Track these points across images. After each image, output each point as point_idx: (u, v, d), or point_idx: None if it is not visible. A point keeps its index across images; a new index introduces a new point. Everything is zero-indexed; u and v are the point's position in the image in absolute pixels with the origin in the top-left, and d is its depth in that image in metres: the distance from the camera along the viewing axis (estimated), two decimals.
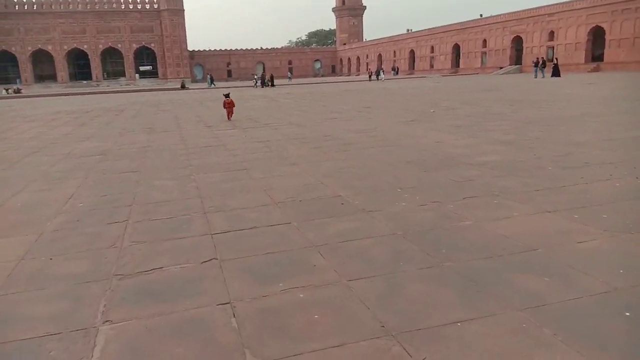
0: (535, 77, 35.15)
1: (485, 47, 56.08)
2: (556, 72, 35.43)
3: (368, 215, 4.13)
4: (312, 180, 5.61)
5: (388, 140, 8.48)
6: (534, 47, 49.09)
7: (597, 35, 42.09)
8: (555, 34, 46.40)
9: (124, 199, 5.18)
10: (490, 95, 19.37)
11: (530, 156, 6.33)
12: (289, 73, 74.86)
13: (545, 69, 35.16)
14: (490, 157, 6.41)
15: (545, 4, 47.92)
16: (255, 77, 47.32)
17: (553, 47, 46.62)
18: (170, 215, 4.45)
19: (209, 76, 56.92)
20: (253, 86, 44.51)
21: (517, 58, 52.31)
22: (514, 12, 51.53)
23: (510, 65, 51.99)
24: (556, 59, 37.78)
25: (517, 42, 51.75)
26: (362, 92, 26.94)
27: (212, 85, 50.81)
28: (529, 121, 10.09)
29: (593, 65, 41.86)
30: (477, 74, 53.92)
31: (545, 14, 47.19)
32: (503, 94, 19.82)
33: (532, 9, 49.02)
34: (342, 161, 6.73)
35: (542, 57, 42.08)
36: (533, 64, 37.16)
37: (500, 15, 53.70)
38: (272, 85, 44.83)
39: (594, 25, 41.87)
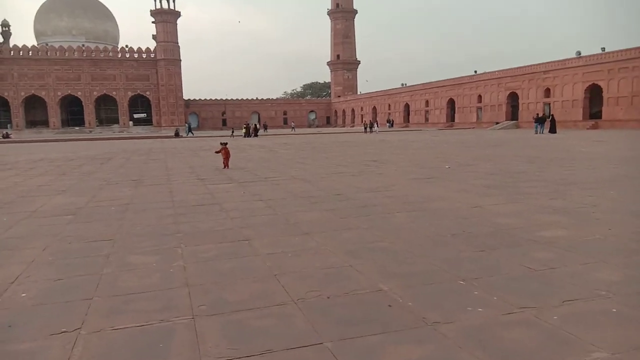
0: (536, 132, 34.72)
1: (481, 102, 56.37)
2: (553, 129, 35.13)
3: (435, 331, 2.79)
4: (335, 260, 4.29)
5: (412, 202, 7.23)
6: (529, 103, 49.28)
7: (594, 93, 42.25)
8: (551, 91, 46.66)
9: (84, 286, 3.81)
10: (500, 150, 18.43)
11: (605, 231, 5.07)
12: (292, 123, 74.99)
13: (544, 125, 34.82)
14: (553, 231, 5.15)
15: (539, 62, 48.52)
16: (242, 127, 46.67)
17: (549, 104, 46.75)
18: (143, 320, 3.08)
19: (186, 125, 54.67)
20: (230, 136, 43.40)
21: (512, 113, 52.42)
22: (509, 69, 52.11)
23: (506, 120, 52.00)
24: (552, 115, 37.60)
25: (513, 98, 52.04)
26: (361, 144, 26.04)
27: (190, 134, 49.24)
28: (565, 183, 8.94)
29: (591, 122, 41.74)
30: (473, 128, 53.84)
31: (541, 72, 47.66)
32: (513, 149, 18.90)
33: (527, 66, 49.58)
34: (366, 231, 5.44)
35: (543, 113, 42.03)
36: (534, 120, 36.82)
37: (495, 71, 54.31)
38: (256, 135, 44.34)
39: (590, 82, 42.11)
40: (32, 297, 3.59)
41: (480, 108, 56.57)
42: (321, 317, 3.05)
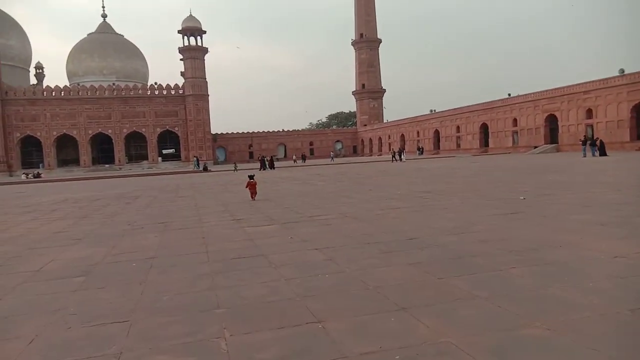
0: (584, 156, 32.36)
1: (516, 126, 54.08)
2: (603, 151, 32.71)
3: None
4: None
5: (520, 250, 5.47)
6: (570, 126, 46.81)
7: None
8: (593, 112, 44.20)
9: None
10: (566, 177, 16.46)
11: None
12: (331, 153, 75.46)
13: (596, 147, 32.47)
14: None
15: (577, 82, 46.29)
16: (262, 158, 45.46)
17: (592, 125, 44.25)
18: None
19: (194, 158, 56.53)
20: (233, 170, 42.75)
21: (552, 136, 49.95)
22: (546, 91, 49.88)
23: (545, 144, 49.48)
24: (598, 138, 35.15)
25: (551, 120, 49.66)
26: (400, 174, 24.31)
27: (198, 168, 49.93)
28: None
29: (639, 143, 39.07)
30: (509, 153, 51.49)
31: (581, 92, 45.32)
32: (580, 175, 16.90)
33: (566, 87, 47.31)
34: (488, 303, 3.73)
35: (585, 135, 39.75)
36: (581, 143, 34.47)
37: (530, 94, 52.16)
38: (272, 167, 42.91)
39: (637, 101, 39.62)
40: None
41: (517, 132, 54.23)
42: None
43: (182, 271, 5.48)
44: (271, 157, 47.89)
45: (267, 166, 42.87)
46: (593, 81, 44.43)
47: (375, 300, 3.98)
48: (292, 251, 6.22)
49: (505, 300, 3.77)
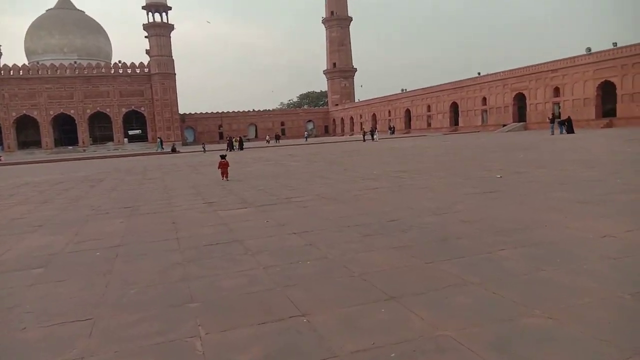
0: (552, 133, 32.96)
1: (486, 104, 54.67)
2: (570, 129, 33.36)
3: None
4: None
5: (505, 230, 5.31)
6: (538, 104, 47.59)
7: (607, 90, 40.59)
8: (560, 90, 44.98)
9: None
10: (536, 154, 16.58)
11: None
12: (305, 132, 75.46)
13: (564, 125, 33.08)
14: None
15: (545, 61, 46.93)
16: (230, 139, 44.62)
17: (559, 103, 45.09)
18: None
19: (159, 139, 57.74)
20: (202, 151, 42.24)
21: (520, 115, 50.73)
22: (515, 70, 50.44)
23: (514, 122, 50.26)
24: (568, 117, 35.78)
25: (520, 99, 50.36)
26: (373, 153, 24.17)
27: (162, 149, 50.84)
28: None
29: (605, 121, 40.02)
30: (479, 131, 52.12)
31: (549, 70, 46.01)
32: (550, 153, 17.07)
33: (534, 65, 47.93)
34: (481, 289, 3.53)
35: (553, 113, 40.50)
36: (549, 120, 35.07)
37: (499, 72, 52.63)
38: (242, 148, 42.08)
39: (602, 80, 40.46)
40: None
41: (486, 111, 54.86)
42: None
43: (151, 260, 5.10)
44: (240, 137, 46.88)
45: (237, 147, 41.91)
46: (560, 60, 45.11)
47: (362, 289, 3.72)
48: (269, 236, 5.90)
49: (499, 286, 3.56)
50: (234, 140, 43.56)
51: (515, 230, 5.27)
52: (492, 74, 53.91)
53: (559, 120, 34.44)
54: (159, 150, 49.89)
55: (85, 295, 4.05)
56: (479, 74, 56.75)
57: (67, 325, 3.38)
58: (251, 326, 3.14)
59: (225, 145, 44.06)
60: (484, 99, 54.85)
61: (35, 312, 3.72)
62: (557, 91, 45.63)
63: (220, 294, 3.87)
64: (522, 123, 49.23)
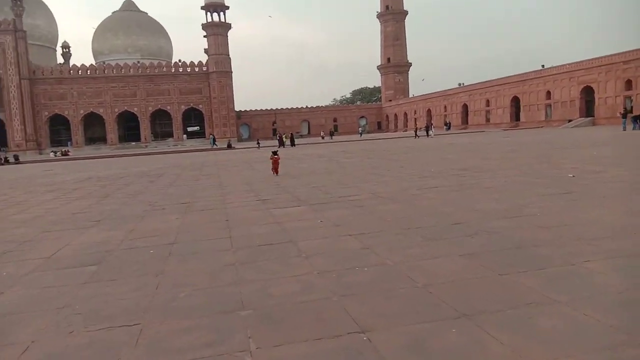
0: (624, 129, 30.66)
1: (550, 99, 51.83)
2: None
3: None
4: None
5: (590, 238, 4.72)
6: (607, 98, 44.52)
7: None
8: (633, 83, 41.84)
9: None
10: (610, 151, 15.34)
11: None
12: (360, 128, 75.23)
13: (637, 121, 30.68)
14: None
15: (617, 52, 43.79)
16: (280, 136, 44.27)
17: (631, 97, 41.96)
18: None
19: (211, 136, 58.39)
20: (256, 147, 42.04)
21: (587, 110, 47.72)
22: (582, 62, 47.45)
23: (580, 117, 47.33)
24: None
25: (587, 92, 47.35)
26: (431, 150, 23.36)
27: (215, 145, 51.78)
28: None
29: None
30: (542, 127, 49.52)
31: (620, 62, 42.90)
32: (626, 149, 15.74)
33: (604, 57, 44.83)
34: (570, 309, 3.05)
35: (624, 108, 37.77)
36: (621, 115, 32.67)
37: (565, 65, 49.70)
38: (293, 145, 41.04)
39: None
40: None
41: (550, 105, 52.01)
42: None
43: (203, 260, 4.94)
44: (291, 133, 46.86)
45: (288, 143, 41.25)
46: (634, 50, 41.94)
47: (428, 302, 3.33)
48: (323, 237, 5.60)
49: (590, 306, 3.07)
50: (284, 136, 43.54)
51: (602, 238, 4.67)
52: (558, 66, 50.99)
53: (632, 115, 31.97)
54: (212, 147, 51.07)
55: (136, 297, 3.91)
56: (542, 66, 53.91)
57: (114, 331, 3.23)
58: (306, 342, 2.84)
59: (276, 142, 44.00)
60: (548, 92, 52.02)
61: (84, 314, 3.61)
62: (629, 84, 42.48)
63: (272, 301, 3.60)
64: (589, 118, 46.29)
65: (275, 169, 14.15)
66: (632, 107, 40.20)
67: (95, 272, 4.79)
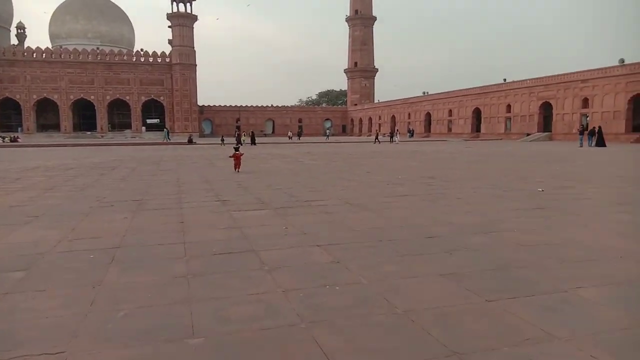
0: (581, 145, 31.65)
1: (510, 112, 53.20)
2: (601, 141, 31.95)
3: None
4: None
5: (574, 259, 4.42)
6: (565, 114, 46.07)
7: (638, 104, 39.00)
8: (589, 101, 43.43)
9: None
10: (572, 167, 15.53)
11: None
12: (327, 131, 75.00)
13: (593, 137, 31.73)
14: None
15: (575, 70, 45.35)
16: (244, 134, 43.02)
17: (588, 115, 43.54)
18: None
19: (165, 130, 58.11)
20: (220, 144, 40.48)
21: (545, 125, 49.21)
22: (542, 78, 48.93)
23: (538, 132, 48.79)
24: (599, 127, 34.29)
25: (546, 108, 48.84)
26: (396, 156, 23.23)
27: (168, 139, 51.81)
28: None
29: (636, 135, 38.45)
30: (501, 139, 50.74)
31: (578, 80, 44.46)
32: (583, 165, 16.00)
33: (563, 74, 46.38)
34: (574, 347, 2.66)
35: (581, 125, 39.13)
36: (579, 132, 33.72)
37: (526, 80, 51.12)
38: (253, 143, 39.54)
39: (635, 93, 38.89)
40: None
41: (510, 118, 53.39)
42: None
43: (150, 270, 4.32)
44: (252, 131, 45.58)
45: (249, 142, 39.80)
46: (591, 70, 43.58)
47: (412, 335, 2.88)
48: (289, 247, 5.08)
49: (598, 346, 2.68)
50: (243, 134, 42.19)
51: (587, 261, 4.38)
52: (518, 81, 52.44)
53: (581, 130, 33.05)
54: (165, 141, 49.99)
55: (65, 315, 3.28)
56: (504, 80, 55.29)
57: None
58: None
59: (226, 140, 41.74)
60: (509, 106, 53.41)
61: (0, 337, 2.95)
62: (586, 102, 44.10)
63: (228, 326, 3.05)
64: (547, 133, 47.76)
65: (238, 165, 14.13)
66: (587, 124, 41.70)
67: (22, 279, 4.09)
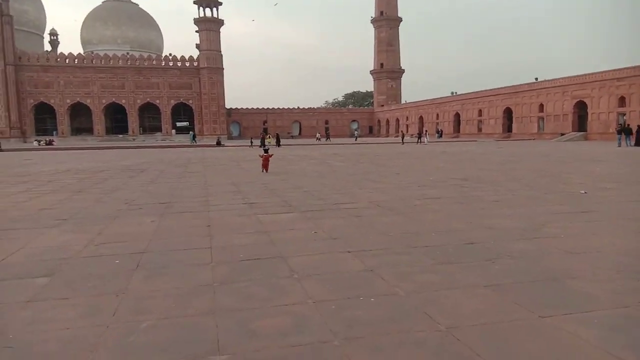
0: (619, 145, 30.41)
1: (543, 111, 51.74)
2: (639, 141, 30.68)
3: None
4: None
5: (633, 270, 4.03)
6: (600, 113, 44.50)
7: None
8: (626, 100, 41.81)
9: None
10: (609, 168, 14.81)
11: None
12: (355, 132, 75.28)
13: (630, 137, 30.48)
14: None
15: (610, 69, 43.73)
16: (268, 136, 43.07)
17: (624, 114, 41.92)
18: None
19: (191, 133, 59.21)
20: (249, 146, 40.57)
21: (580, 124, 47.65)
22: (576, 76, 47.38)
23: (573, 131, 47.28)
24: (638, 126, 32.91)
25: (580, 107, 47.28)
26: (425, 157, 22.74)
27: (194, 142, 52.73)
28: None
29: None
30: (534, 139, 49.39)
31: (614, 78, 42.88)
32: (625, 166, 15.24)
33: (597, 72, 44.81)
34: None
35: (619, 124, 37.67)
36: (616, 131, 32.44)
37: (559, 79, 49.63)
38: (278, 145, 39.19)
39: None
40: None
41: (542, 118, 51.93)
42: None
43: (175, 277, 4.14)
44: (277, 133, 45.59)
45: (275, 143, 39.35)
46: (628, 68, 41.98)
47: (459, 356, 2.58)
48: (319, 253, 4.84)
49: None
50: (268, 136, 42.24)
51: None
52: (551, 80, 50.98)
53: (619, 129, 31.77)
54: (191, 143, 50.85)
55: (85, 326, 3.11)
56: (536, 79, 53.83)
57: None
58: None
59: (271, 141, 42.03)
60: (541, 105, 51.96)
61: (16, 348, 2.80)
62: (622, 100, 42.48)
63: (256, 342, 2.82)
64: (582, 133, 46.24)
65: (265, 166, 14.44)
66: (625, 123, 40.15)
67: (45, 286, 3.97)
